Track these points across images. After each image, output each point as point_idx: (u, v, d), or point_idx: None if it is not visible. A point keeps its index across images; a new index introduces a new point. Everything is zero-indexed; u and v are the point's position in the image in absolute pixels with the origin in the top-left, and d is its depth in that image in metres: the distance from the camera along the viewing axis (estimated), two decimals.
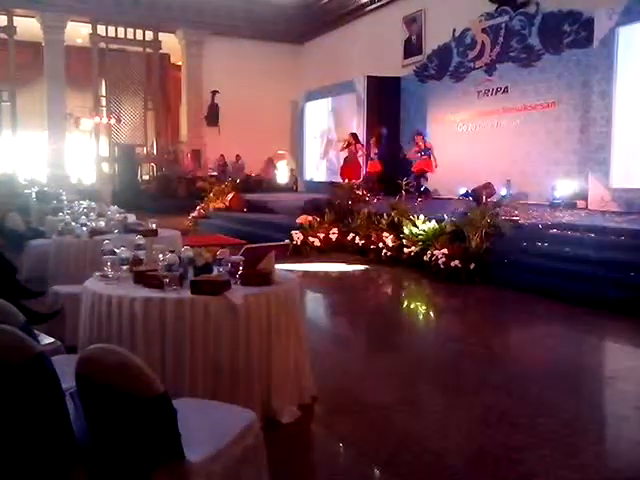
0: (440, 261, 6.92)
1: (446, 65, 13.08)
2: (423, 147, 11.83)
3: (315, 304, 6.17)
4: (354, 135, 13.46)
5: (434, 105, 13.50)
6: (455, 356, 4.20)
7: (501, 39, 11.60)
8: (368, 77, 14.62)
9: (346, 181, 11.63)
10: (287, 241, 8.21)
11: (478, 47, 12.16)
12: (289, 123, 19.97)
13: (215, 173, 17.98)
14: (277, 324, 2.99)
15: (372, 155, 13.25)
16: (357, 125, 14.79)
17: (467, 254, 6.85)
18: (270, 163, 19.56)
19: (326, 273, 7.66)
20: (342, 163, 13.67)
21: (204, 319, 2.77)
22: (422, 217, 7.93)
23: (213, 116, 19.31)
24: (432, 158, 11.82)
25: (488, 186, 8.78)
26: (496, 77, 11.83)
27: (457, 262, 6.77)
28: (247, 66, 19.14)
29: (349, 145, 13.30)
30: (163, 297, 2.78)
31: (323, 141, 17.07)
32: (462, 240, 7.12)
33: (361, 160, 13.28)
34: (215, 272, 3.01)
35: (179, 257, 3.01)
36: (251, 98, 18.95)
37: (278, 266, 3.19)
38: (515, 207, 7.82)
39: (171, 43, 19.10)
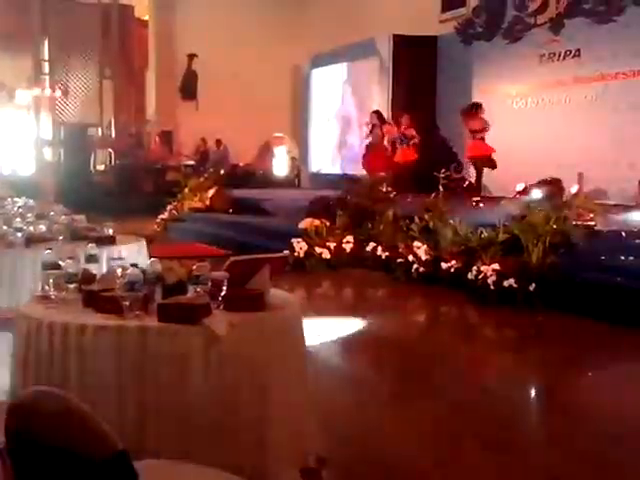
0: (489, 280, 6.90)
1: (498, 21, 13.13)
2: (484, 125, 11.59)
3: (323, 335, 6.16)
4: (378, 114, 13.49)
5: (481, 73, 13.53)
6: (507, 405, 4.19)
7: None
8: (394, 36, 14.69)
9: (367, 174, 11.67)
10: (286, 252, 8.16)
11: None
12: (290, 97, 20.06)
13: (192, 162, 18.10)
14: (272, 361, 2.98)
15: (403, 139, 13.21)
16: (379, 100, 14.84)
17: (525, 270, 6.84)
18: (267, 150, 19.64)
19: (337, 295, 7.66)
20: (364, 150, 13.70)
21: (175, 354, 2.77)
22: (465, 222, 7.92)
23: (189, 87, 19.45)
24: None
25: (554, 182, 8.78)
26: (564, 37, 11.85)
27: (512, 281, 6.76)
28: (235, 21, 19.25)
29: (374, 128, 13.32)
30: (122, 325, 2.78)
31: (339, 124, 17.12)
32: (519, 252, 7.11)
33: (389, 146, 13.29)
34: (191, 293, 3.01)
35: (143, 272, 3.01)
36: (240, 64, 19.05)
37: (274, 285, 3.20)
38: (590, 209, 7.80)
39: None
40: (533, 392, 4.40)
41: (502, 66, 12.99)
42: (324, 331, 6.34)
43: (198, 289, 2.99)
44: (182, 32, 19.15)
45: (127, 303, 2.86)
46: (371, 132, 13.32)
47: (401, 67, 14.61)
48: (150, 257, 3.51)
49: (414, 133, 13.08)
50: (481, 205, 10.74)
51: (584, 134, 11.43)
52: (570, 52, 11.80)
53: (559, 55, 12.01)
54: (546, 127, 12.15)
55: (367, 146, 13.55)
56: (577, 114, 11.67)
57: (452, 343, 6.03)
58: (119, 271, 2.97)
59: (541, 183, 9.85)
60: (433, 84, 14.71)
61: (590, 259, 6.88)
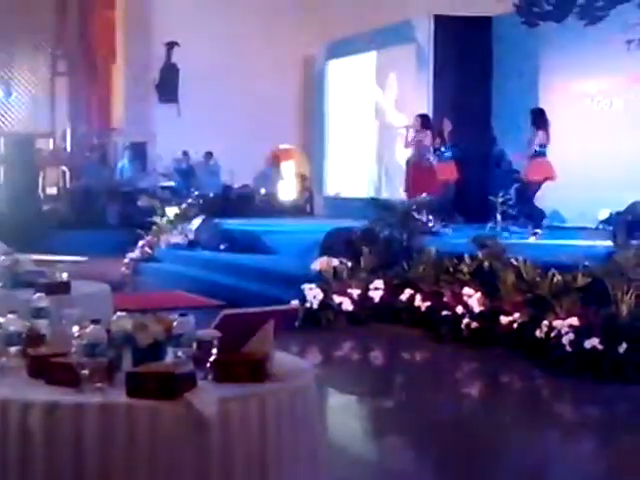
0: (565, 339, 6.86)
1: None
2: (544, 137, 11.67)
3: (345, 415, 6.13)
4: (424, 118, 13.51)
5: (550, 64, 13.61)
6: None
7: None
8: (436, 17, 14.82)
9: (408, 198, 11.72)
10: (295, 303, 8.20)
11: None
12: (299, 97, 20.19)
13: (171, 183, 18.17)
14: (278, 450, 2.98)
15: (437, 151, 13.28)
16: (416, 99, 14.92)
17: (613, 327, 6.79)
18: (270, 166, 19.72)
19: (362, 360, 7.63)
20: (405, 166, 13.72)
21: (149, 441, 2.77)
22: (532, 262, 7.90)
23: (169, 86, 19.63)
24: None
25: None
26: None
27: (596, 341, 6.71)
28: (226, 1, 19.43)
29: (417, 136, 13.36)
30: (79, 402, 2.78)
31: (364, 132, 17.16)
32: (604, 302, 7.07)
33: (435, 161, 13.30)
34: (170, 358, 3.02)
35: (107, 331, 3.03)
36: (234, 55, 19.23)
37: (279, 347, 3.20)
38: None
39: None
40: None
41: (578, 55, 13.06)
42: (346, 409, 6.31)
43: (179, 353, 2.99)
44: (159, 14, 19.35)
45: (86, 372, 2.86)
46: (413, 142, 13.35)
47: (445, 57, 14.74)
48: (116, 310, 3.51)
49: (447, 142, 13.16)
50: (552, 240, 10.74)
51: None
52: None
53: None
54: (637, 136, 12.15)
55: (408, 161, 13.60)
56: None
57: (515, 427, 5.98)
58: (75, 329, 2.97)
59: (632, 209, 9.85)
60: (487, 79, 14.80)
61: None
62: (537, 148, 11.73)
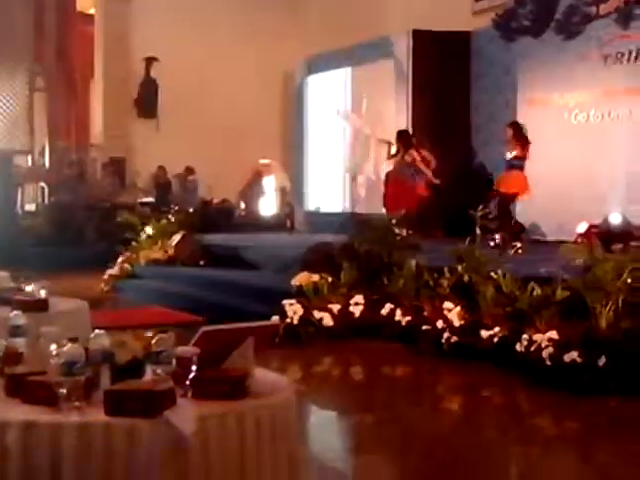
0: (545, 352, 6.87)
1: (549, 11, 13.37)
2: (520, 150, 11.76)
3: (327, 432, 6.12)
4: (404, 135, 13.59)
5: (528, 79, 13.71)
6: None
7: None
8: (415, 32, 14.91)
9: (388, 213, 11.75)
10: (276, 318, 8.20)
11: None
12: (279, 112, 20.25)
13: (150, 199, 18.15)
14: (257, 467, 2.97)
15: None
16: (395, 114, 15.00)
17: (592, 340, 6.81)
18: (250, 181, 19.70)
19: (343, 376, 7.61)
20: (384, 181, 13.78)
21: (128, 460, 2.75)
22: (512, 275, 7.92)
23: (148, 101, 19.65)
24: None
25: (625, 220, 8.82)
26: (635, 31, 12.03)
27: (575, 354, 6.73)
28: (205, 16, 19.52)
29: (397, 153, 13.45)
30: (57, 422, 2.77)
31: (344, 146, 17.22)
32: (583, 316, 7.10)
33: (416, 177, 13.35)
34: (149, 375, 3.00)
35: (86, 349, 3.01)
36: (213, 70, 19.30)
37: (259, 363, 3.20)
38: None
39: None
40: None
41: (555, 69, 13.17)
42: (326, 425, 6.29)
43: (159, 370, 2.98)
44: (138, 29, 19.42)
45: (64, 391, 2.85)
46: (394, 157, 13.44)
47: (424, 72, 14.82)
48: (95, 328, 3.50)
49: (428, 158, 13.21)
50: (530, 253, 10.78)
51: None
52: None
53: (630, 55, 12.18)
54: (615, 148, 12.25)
55: (387, 175, 13.66)
56: None
57: (496, 441, 5.98)
58: (53, 347, 2.95)
59: (610, 222, 9.90)
60: (466, 93, 14.89)
61: None
62: (514, 162, 11.82)
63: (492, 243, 11.24)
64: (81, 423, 2.77)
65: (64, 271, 12.98)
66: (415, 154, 13.18)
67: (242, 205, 19.02)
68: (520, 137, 11.89)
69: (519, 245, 11.23)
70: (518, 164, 11.87)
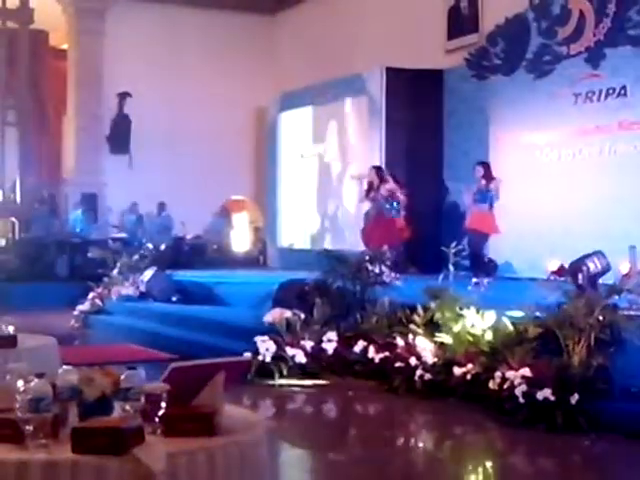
0: (518, 390, 6.86)
1: (520, 50, 13.52)
2: (484, 189, 11.99)
3: (298, 470, 6.08)
4: (378, 170, 13.68)
5: (500, 117, 13.84)
6: None
7: (612, 7, 12.02)
8: (388, 70, 15.03)
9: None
10: (247, 355, 8.15)
11: (574, 20, 12.60)
12: (252, 149, 20.33)
13: (123, 235, 18.08)
14: None
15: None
16: (369, 151, 15.08)
17: (565, 378, 6.81)
18: (222, 218, 19.74)
19: (315, 413, 7.57)
20: (364, 219, 13.83)
21: None
22: (484, 312, 7.94)
23: (120, 137, 19.65)
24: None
25: (597, 259, 8.85)
26: (606, 70, 12.19)
27: (548, 392, 6.72)
28: (179, 52, 19.66)
29: (370, 189, 13.51)
30: (23, 460, 2.74)
31: (317, 183, 17.29)
32: (555, 353, 7.11)
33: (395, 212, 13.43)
34: (117, 412, 2.98)
35: (53, 386, 2.98)
36: (186, 106, 19.35)
37: (230, 401, 3.18)
38: None
39: (51, 13, 19.55)
40: None
41: (526, 108, 13.29)
42: (298, 463, 6.25)
43: (127, 407, 2.96)
44: (111, 65, 19.46)
45: (30, 428, 2.82)
46: (368, 194, 13.51)
47: (397, 109, 14.89)
48: (63, 364, 3.47)
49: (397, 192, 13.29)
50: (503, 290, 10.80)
51: (636, 195, 11.59)
52: (614, 90, 12.11)
53: (599, 94, 12.31)
54: (585, 186, 12.35)
55: (366, 213, 13.73)
56: (625, 169, 11.89)
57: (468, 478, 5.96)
58: (20, 384, 2.93)
59: (582, 259, 9.93)
60: (439, 131, 14.99)
61: None
62: (484, 199, 11.93)
63: (473, 281, 11.22)
64: (48, 461, 2.74)
65: (34, 307, 12.91)
66: (393, 186, 13.28)
67: (215, 242, 19.02)
68: (490, 175, 12.06)
69: (484, 281, 11.24)
70: (489, 202, 11.98)
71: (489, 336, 7.68)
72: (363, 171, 14.26)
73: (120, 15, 19.41)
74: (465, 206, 13.01)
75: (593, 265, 8.77)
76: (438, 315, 8.34)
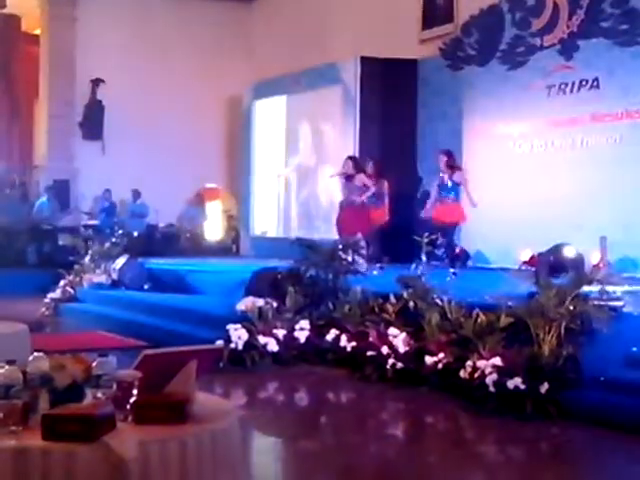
0: (489, 379, 6.90)
1: (494, 41, 13.58)
2: (448, 178, 11.96)
3: (270, 457, 6.08)
4: (354, 160, 13.66)
5: (474, 107, 13.90)
6: None
7: None
8: (363, 59, 15.04)
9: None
10: (220, 343, 8.15)
11: (548, 12, 12.68)
12: (226, 137, 20.30)
13: (95, 222, 18.01)
14: None
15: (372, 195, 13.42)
16: (343, 141, 15.08)
17: (535, 367, 6.86)
18: (195, 205, 19.69)
19: (290, 402, 7.58)
20: (338, 209, 13.82)
21: None
22: (457, 302, 7.98)
23: (93, 123, 19.53)
24: (467, 197, 12.02)
25: (567, 249, 8.93)
26: (578, 62, 12.27)
27: (518, 381, 6.77)
28: (152, 39, 19.57)
29: (348, 179, 13.49)
30: None
31: (291, 172, 17.31)
32: (526, 342, 7.15)
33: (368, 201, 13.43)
34: (89, 399, 2.97)
35: (23, 373, 2.97)
36: (160, 93, 19.27)
37: (202, 388, 3.17)
38: (617, 284, 7.91)
39: None
40: None
41: (500, 99, 13.37)
42: (270, 451, 6.25)
43: (99, 394, 2.96)
44: (84, 51, 19.32)
45: (0, 415, 2.82)
46: (345, 184, 13.50)
47: (371, 99, 14.92)
48: (34, 351, 3.45)
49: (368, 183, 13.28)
50: (475, 280, 10.87)
51: (607, 186, 11.71)
52: (586, 82, 12.20)
53: (572, 86, 12.40)
54: (557, 177, 12.44)
55: (341, 203, 13.73)
56: (597, 160, 12.00)
57: (439, 468, 5.97)
58: None
59: (552, 249, 10.00)
60: (413, 121, 15.02)
61: (619, 350, 6.92)
62: (448, 189, 11.95)
63: (451, 271, 11.25)
64: (18, 448, 2.74)
65: (4, 294, 12.82)
66: (365, 178, 13.25)
67: (187, 230, 18.98)
68: (453, 164, 12.04)
69: (453, 271, 11.29)
70: (453, 193, 11.98)
71: (460, 325, 7.72)
72: (336, 160, 14.20)
73: (93, 1, 19.31)
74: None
75: (563, 255, 8.85)
76: (411, 304, 8.38)
